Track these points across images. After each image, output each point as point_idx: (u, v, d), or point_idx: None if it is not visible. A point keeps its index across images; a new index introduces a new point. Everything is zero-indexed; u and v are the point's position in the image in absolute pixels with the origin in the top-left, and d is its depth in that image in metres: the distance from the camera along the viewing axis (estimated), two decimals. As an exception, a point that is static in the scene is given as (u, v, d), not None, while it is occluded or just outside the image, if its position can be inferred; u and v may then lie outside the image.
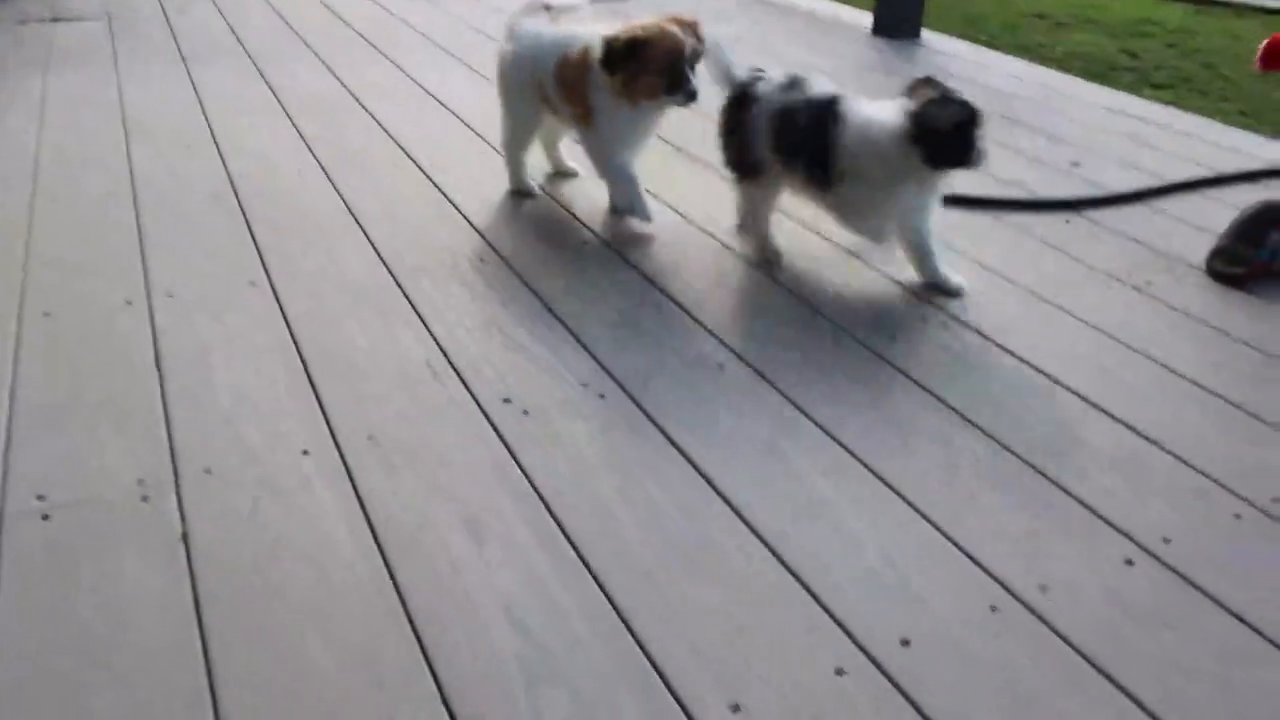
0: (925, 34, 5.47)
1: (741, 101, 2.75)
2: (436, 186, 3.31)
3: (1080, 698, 1.54)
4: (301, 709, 1.49)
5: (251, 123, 3.86)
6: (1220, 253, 2.88)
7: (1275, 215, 2.82)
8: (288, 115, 3.95)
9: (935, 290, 2.71)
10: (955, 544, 1.83)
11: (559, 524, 1.85)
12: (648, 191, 3.06)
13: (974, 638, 1.64)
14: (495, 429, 2.11)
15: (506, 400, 2.20)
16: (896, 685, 1.55)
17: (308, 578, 1.72)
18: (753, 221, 2.88)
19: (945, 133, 2.52)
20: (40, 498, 1.89)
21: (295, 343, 2.40)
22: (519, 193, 3.25)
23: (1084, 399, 2.27)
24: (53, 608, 1.65)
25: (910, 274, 2.77)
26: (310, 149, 3.60)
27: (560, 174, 3.39)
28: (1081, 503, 1.95)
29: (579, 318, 2.53)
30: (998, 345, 2.48)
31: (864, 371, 2.36)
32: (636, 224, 3.02)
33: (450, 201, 3.20)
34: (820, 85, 2.68)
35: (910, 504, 1.93)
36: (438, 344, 2.41)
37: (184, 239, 2.90)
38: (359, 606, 1.66)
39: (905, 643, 1.62)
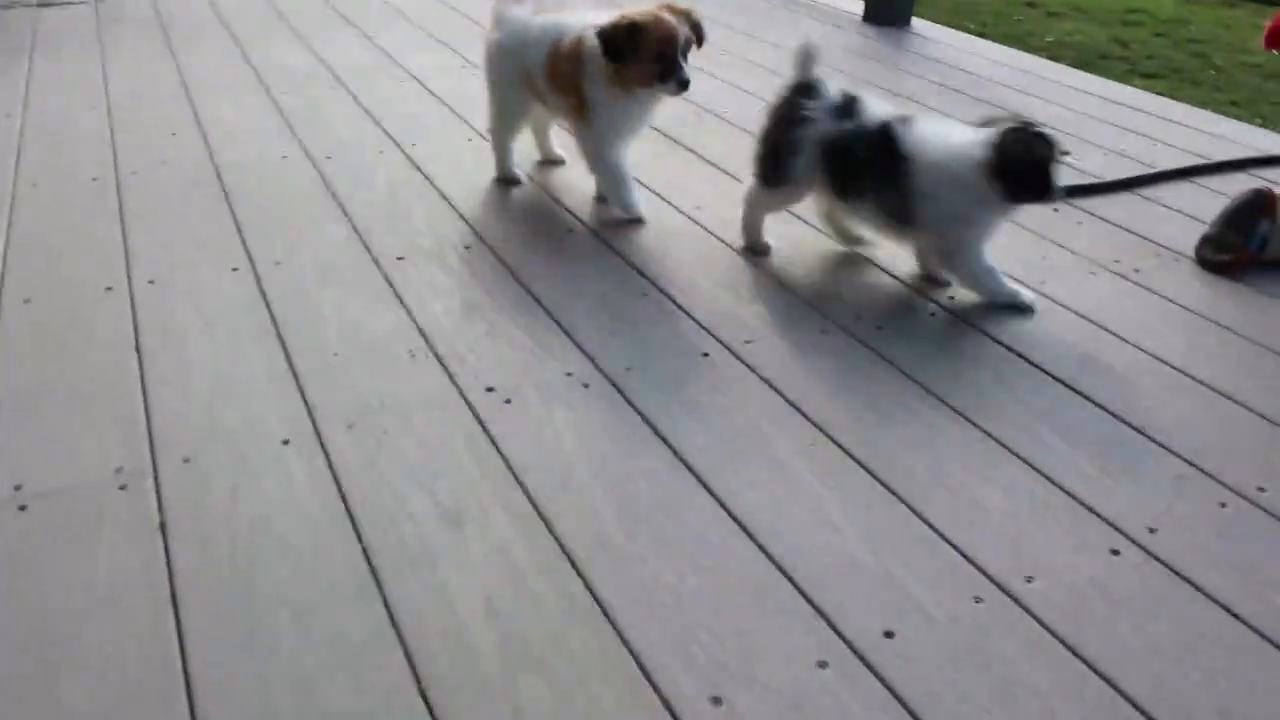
0: (916, 22, 5.45)
1: (791, 117, 2.62)
2: (421, 172, 3.28)
3: (1065, 689, 1.53)
4: (276, 697, 1.47)
5: (237, 107, 3.83)
6: (1209, 241, 2.87)
7: (1264, 204, 2.81)
8: (273, 99, 3.92)
9: (1007, 309, 2.60)
10: (940, 534, 1.82)
11: (540, 513, 1.83)
12: (636, 180, 3.04)
13: (958, 629, 1.63)
14: (477, 417, 2.09)
15: (489, 388, 2.18)
16: (880, 677, 1.53)
17: (285, 566, 1.70)
18: (752, 218, 2.83)
19: (1030, 168, 2.45)
20: (17, 487, 1.86)
21: (277, 329, 2.37)
22: (504, 180, 3.23)
23: (1071, 387, 2.26)
24: (29, 597, 1.63)
25: (901, 264, 2.76)
26: (295, 133, 3.57)
27: (549, 162, 3.37)
28: (1067, 492, 1.94)
29: (563, 305, 2.51)
30: (985, 334, 2.47)
31: (850, 360, 2.34)
32: (623, 214, 3.00)
33: (435, 187, 3.17)
34: (875, 107, 2.58)
35: (895, 494, 1.92)
36: (420, 331, 2.39)
37: (167, 224, 2.88)
38: (336, 595, 1.65)
39: (889, 634, 1.61)
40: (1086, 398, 2.23)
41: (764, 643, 1.59)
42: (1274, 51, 3.34)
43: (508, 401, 2.14)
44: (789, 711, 1.48)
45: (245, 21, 5.10)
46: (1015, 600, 1.68)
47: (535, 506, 1.85)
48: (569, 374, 2.24)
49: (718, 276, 2.71)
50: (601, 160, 2.99)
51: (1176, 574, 1.76)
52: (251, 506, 1.83)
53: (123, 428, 2.03)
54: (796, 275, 2.71)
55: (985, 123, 2.53)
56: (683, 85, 2.76)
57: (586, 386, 2.20)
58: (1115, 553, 1.80)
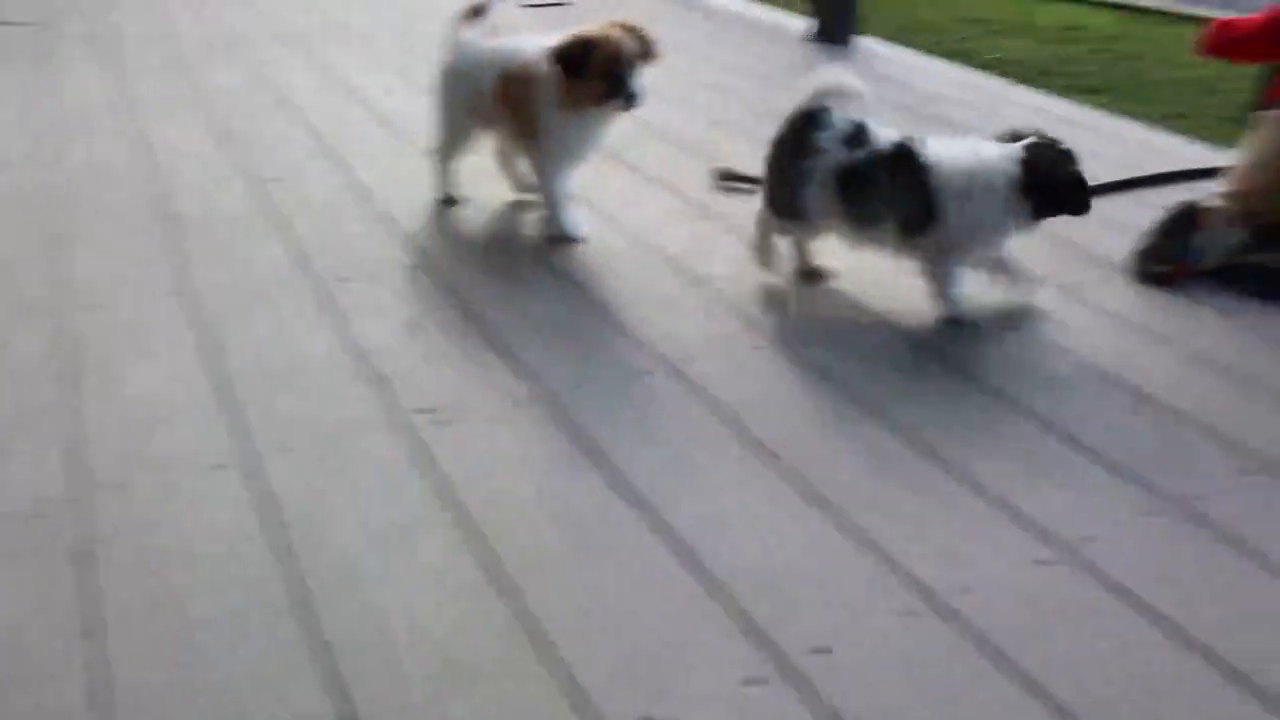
0: (860, 39, 5.49)
1: (799, 149, 2.58)
2: (365, 191, 3.27)
3: (1001, 701, 1.53)
4: (205, 729, 1.45)
5: (179, 128, 3.80)
6: (1146, 253, 2.90)
7: (1197, 216, 2.85)
8: (216, 120, 3.89)
9: (952, 324, 2.61)
10: (876, 547, 1.82)
11: (476, 533, 1.82)
12: (580, 199, 3.04)
13: (893, 642, 1.63)
14: (413, 438, 2.07)
15: (428, 409, 2.16)
16: (813, 693, 1.53)
17: (214, 593, 1.68)
18: (763, 244, 2.76)
19: (1064, 184, 2.50)
20: (-59, 516, 1.83)
21: (215, 352, 2.35)
22: (446, 201, 3.22)
23: (1008, 398, 2.28)
24: (-52, 630, 1.60)
25: (842, 281, 2.77)
26: (238, 154, 3.55)
27: (523, 195, 3.23)
28: (1002, 503, 1.95)
29: (505, 325, 2.51)
30: (922, 348, 2.49)
31: (789, 377, 2.35)
32: (565, 234, 2.99)
33: (379, 207, 3.16)
34: (884, 132, 2.57)
35: (829, 508, 1.92)
36: (360, 352, 2.37)
37: (104, 246, 2.84)
38: (266, 620, 1.63)
39: (823, 649, 1.61)
40: (1023, 408, 2.25)
41: (698, 659, 1.58)
42: (1207, 58, 3.40)
43: (447, 422, 2.13)
44: (723, 729, 1.48)
45: (190, 42, 5.07)
46: (950, 612, 1.69)
47: (471, 527, 1.84)
48: (509, 394, 2.23)
49: (659, 295, 2.71)
50: (547, 183, 2.98)
51: (1110, 583, 1.77)
52: (182, 533, 1.80)
53: (52, 456, 1.99)
54: (738, 294, 2.71)
55: (1006, 138, 2.56)
56: (633, 101, 2.77)
57: (527, 406, 2.19)
58: (1049, 563, 1.81)
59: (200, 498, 1.89)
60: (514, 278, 2.77)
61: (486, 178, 3.25)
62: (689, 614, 1.67)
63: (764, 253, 2.78)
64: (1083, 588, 1.76)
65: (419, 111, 3.96)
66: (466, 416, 2.15)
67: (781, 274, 2.79)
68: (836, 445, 2.10)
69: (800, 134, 2.59)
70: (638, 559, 1.78)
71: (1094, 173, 3.64)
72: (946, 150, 2.54)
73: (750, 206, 3.21)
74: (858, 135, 2.56)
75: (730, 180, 3.43)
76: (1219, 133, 4.97)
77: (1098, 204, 3.36)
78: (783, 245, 2.76)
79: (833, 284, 2.77)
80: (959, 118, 4.23)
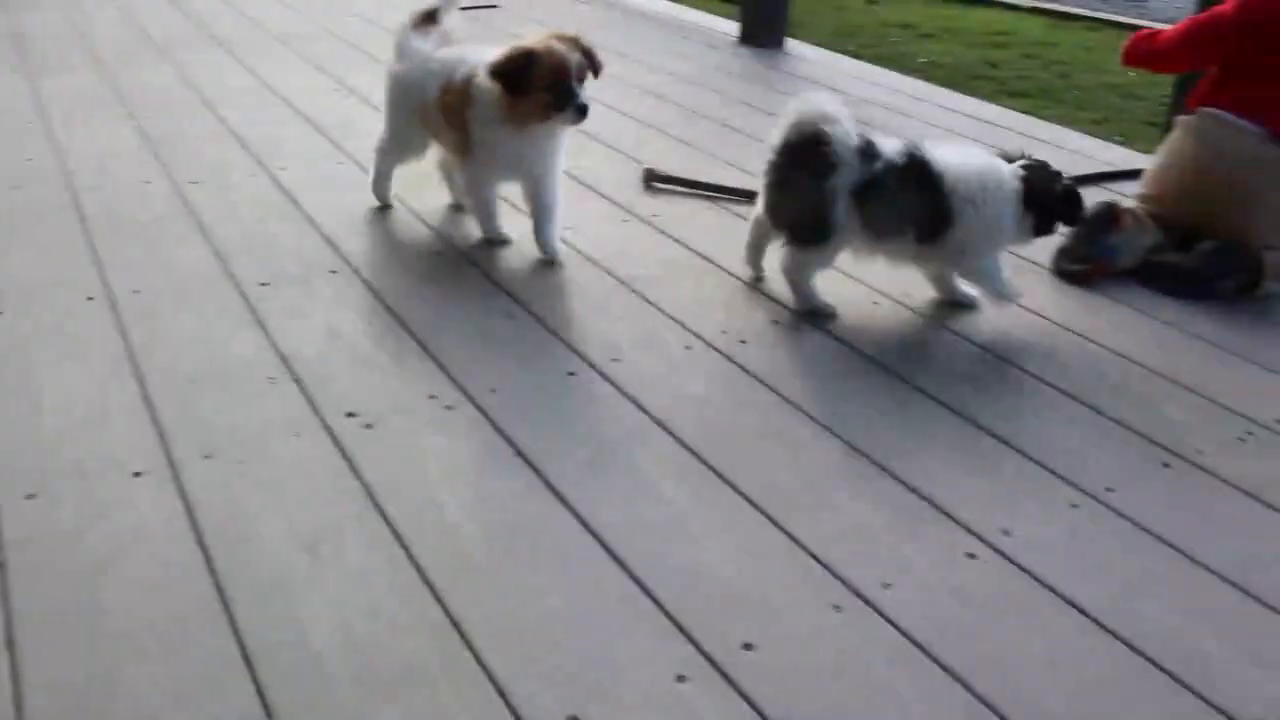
0: (790, 42, 5.53)
1: (818, 169, 2.52)
2: (289, 196, 3.22)
3: (925, 695, 1.55)
4: (120, 740, 1.42)
5: (97, 130, 3.72)
6: (1065, 252, 2.96)
7: (1115, 216, 2.91)
8: (136, 122, 3.82)
9: (1002, 300, 2.70)
10: (800, 544, 1.84)
11: (399, 538, 1.81)
12: (508, 201, 3.03)
13: (818, 638, 1.64)
14: (337, 443, 2.05)
15: (351, 414, 2.14)
16: (739, 690, 1.54)
17: (132, 602, 1.64)
18: (804, 285, 2.69)
19: (1058, 198, 2.64)
20: None
21: (132, 358, 2.30)
22: (378, 204, 3.18)
23: (932, 397, 2.30)
24: None
25: (769, 282, 2.79)
26: (159, 157, 3.48)
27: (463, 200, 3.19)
28: (924, 498, 1.97)
29: (429, 329, 2.49)
30: (847, 346, 2.51)
31: (715, 376, 2.36)
32: (490, 237, 2.98)
33: (303, 211, 3.12)
34: (888, 143, 2.57)
35: (756, 506, 1.93)
36: (282, 357, 2.34)
37: (19, 251, 2.78)
38: (185, 629, 1.60)
39: (749, 646, 1.62)
40: (944, 405, 2.27)
41: (623, 658, 1.58)
42: (1131, 68, 3.47)
43: (369, 427, 2.10)
44: (648, 728, 1.48)
45: (110, 43, 4.97)
46: (874, 608, 1.71)
47: (395, 532, 1.82)
48: (433, 397, 2.21)
49: (586, 297, 2.71)
50: (475, 194, 2.96)
51: (1032, 576, 1.80)
52: (98, 541, 1.77)
53: (-37, 464, 1.94)
54: (663, 294, 2.72)
55: (1002, 155, 2.66)
56: (580, 113, 2.70)
57: (450, 409, 2.18)
58: (971, 556, 1.83)
59: (120, 505, 1.85)
60: (441, 281, 2.75)
61: (428, 184, 3.22)
62: (618, 614, 1.67)
63: (809, 294, 2.68)
64: (1005, 581, 1.78)
65: (346, 115, 3.94)
66: (388, 421, 2.13)
67: (749, 276, 2.81)
68: (764, 445, 2.11)
69: (816, 154, 2.52)
70: (566, 561, 1.78)
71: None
72: (952, 157, 2.60)
73: (678, 207, 3.25)
74: (869, 148, 2.55)
75: (659, 181, 3.44)
76: (1140, 136, 5.09)
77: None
78: (786, 285, 2.71)
79: (764, 286, 2.78)
80: (890, 122, 4.27)
